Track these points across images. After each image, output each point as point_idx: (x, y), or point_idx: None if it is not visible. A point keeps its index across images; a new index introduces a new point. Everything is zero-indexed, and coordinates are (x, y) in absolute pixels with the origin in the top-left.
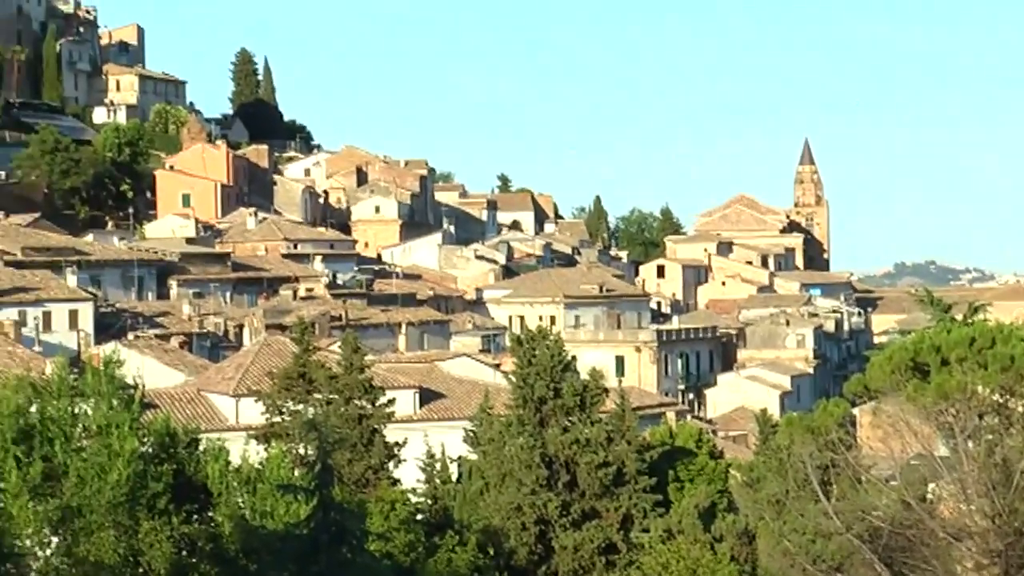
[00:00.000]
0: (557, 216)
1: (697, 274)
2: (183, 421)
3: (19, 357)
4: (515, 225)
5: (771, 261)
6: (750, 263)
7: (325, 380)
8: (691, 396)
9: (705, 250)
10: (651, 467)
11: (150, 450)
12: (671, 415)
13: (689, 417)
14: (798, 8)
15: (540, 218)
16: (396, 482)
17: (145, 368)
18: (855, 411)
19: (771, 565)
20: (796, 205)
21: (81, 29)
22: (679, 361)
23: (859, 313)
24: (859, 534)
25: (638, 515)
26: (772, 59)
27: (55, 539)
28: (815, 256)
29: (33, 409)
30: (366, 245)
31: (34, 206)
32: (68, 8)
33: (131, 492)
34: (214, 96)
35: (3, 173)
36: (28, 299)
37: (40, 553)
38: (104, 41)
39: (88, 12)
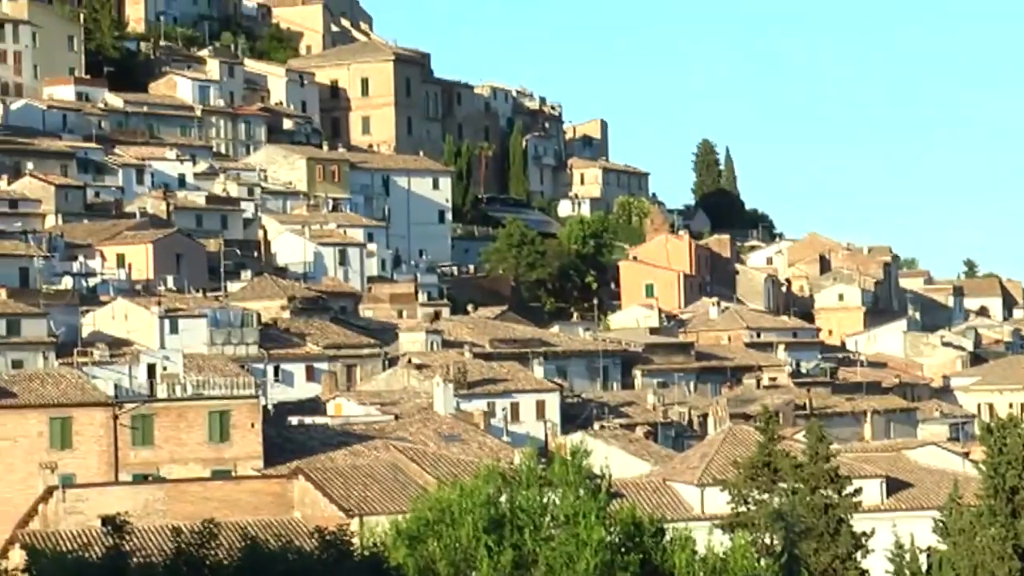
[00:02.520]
0: None
1: None
2: (649, 510)
3: (489, 447)
4: (982, 311)
5: None
6: None
7: (790, 469)
8: None
9: None
10: None
11: (617, 539)
12: None
13: None
14: None
15: (1008, 303)
16: (864, 573)
17: (611, 458)
18: None
19: None
20: None
21: (546, 125)
22: None
23: None
24: None
25: None
26: None
27: None
28: None
29: (503, 499)
30: (830, 333)
31: (502, 299)
32: (534, 105)
33: None
34: (676, 187)
35: (472, 267)
36: (497, 390)
37: None
38: (568, 136)
39: (553, 108)
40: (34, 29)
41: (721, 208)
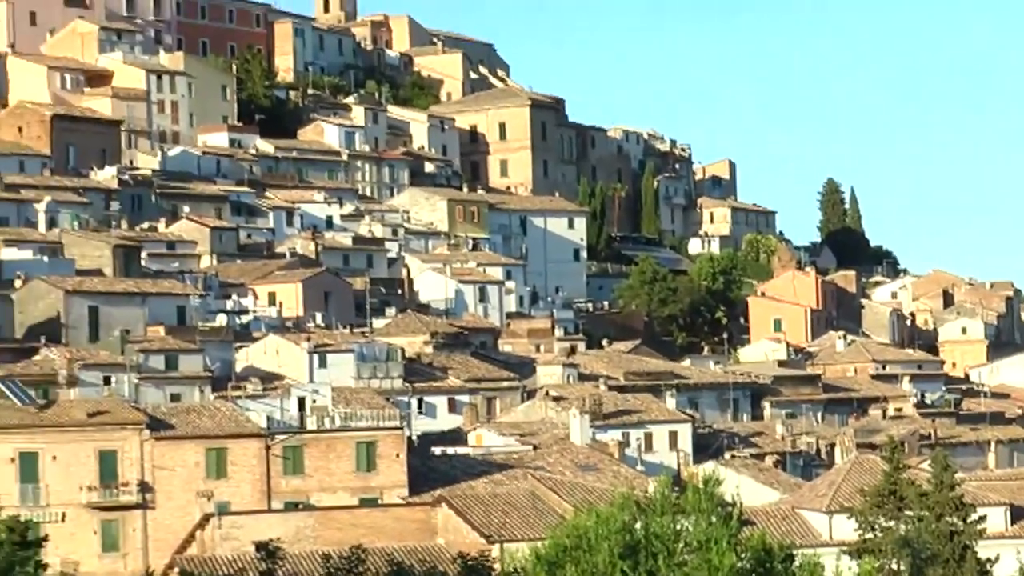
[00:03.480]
0: None
1: None
2: (778, 537)
3: (623, 476)
4: None
5: None
6: None
7: (916, 497)
8: None
9: None
10: None
11: (747, 565)
12: None
13: None
14: None
15: None
16: None
17: (741, 486)
18: None
19: None
20: None
21: (677, 166)
22: None
23: None
24: None
25: None
26: None
27: None
28: None
29: (638, 526)
30: (953, 365)
31: (635, 333)
32: (664, 147)
33: None
34: (803, 225)
35: (606, 303)
36: (631, 421)
37: None
38: (698, 176)
39: (683, 150)
40: (190, 80)
41: (846, 245)
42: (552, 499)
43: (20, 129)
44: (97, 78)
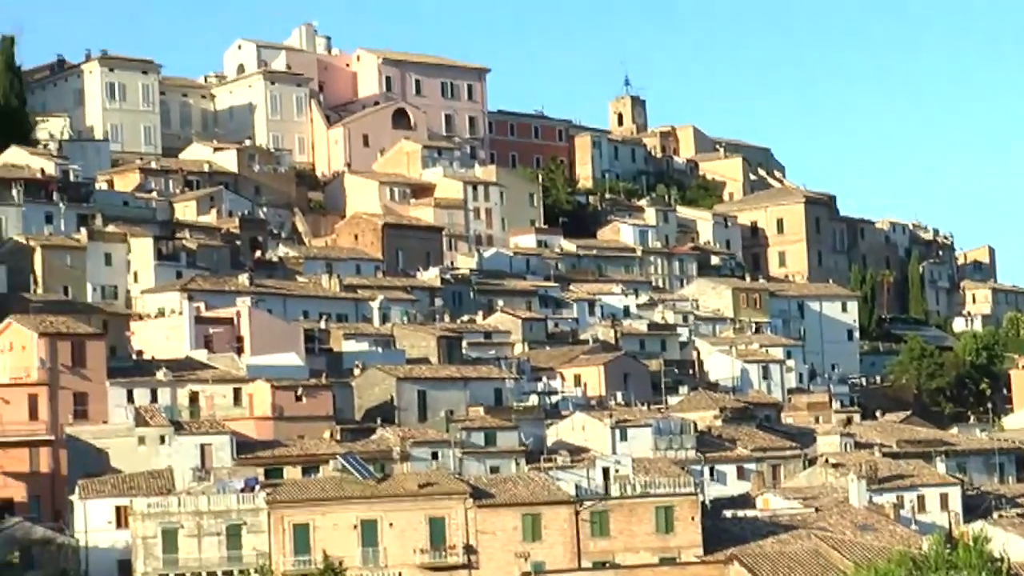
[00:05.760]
0: None
1: None
2: None
3: (899, 535)
4: None
5: None
6: None
7: None
8: None
9: None
10: None
11: None
12: None
13: None
14: None
15: None
16: None
17: (1009, 543)
18: None
19: None
20: None
21: (940, 252)
22: None
23: None
24: None
25: None
26: None
27: None
28: None
29: None
30: None
31: (905, 405)
32: (928, 236)
33: None
34: None
35: (878, 377)
36: (904, 485)
37: None
38: (960, 261)
39: (945, 237)
40: (501, 189)
41: None
42: (834, 557)
43: (356, 236)
44: (421, 190)
